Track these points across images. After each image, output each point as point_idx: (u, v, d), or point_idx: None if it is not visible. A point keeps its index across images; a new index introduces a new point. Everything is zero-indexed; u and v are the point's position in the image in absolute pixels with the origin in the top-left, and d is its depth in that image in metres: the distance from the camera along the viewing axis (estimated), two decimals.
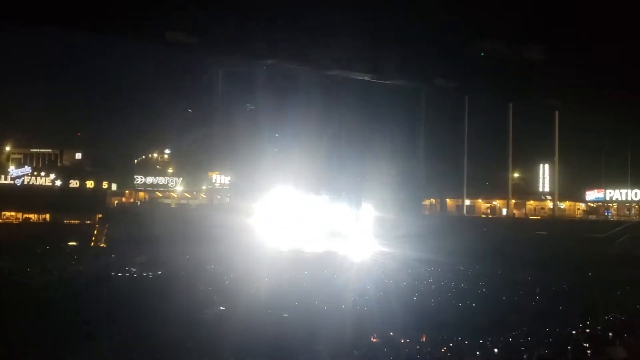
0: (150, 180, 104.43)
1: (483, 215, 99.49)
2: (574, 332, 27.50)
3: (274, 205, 77.43)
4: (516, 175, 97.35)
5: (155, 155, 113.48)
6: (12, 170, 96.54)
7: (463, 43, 23.34)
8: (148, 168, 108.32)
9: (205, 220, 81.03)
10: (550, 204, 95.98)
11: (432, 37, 22.56)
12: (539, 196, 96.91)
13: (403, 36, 22.51)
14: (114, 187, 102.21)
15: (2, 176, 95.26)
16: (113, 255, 63.66)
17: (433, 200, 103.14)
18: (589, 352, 22.33)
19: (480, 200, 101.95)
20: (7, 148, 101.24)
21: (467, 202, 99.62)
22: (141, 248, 65.70)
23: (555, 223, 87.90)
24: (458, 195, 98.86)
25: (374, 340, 30.13)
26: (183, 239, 70.47)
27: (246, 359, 24.73)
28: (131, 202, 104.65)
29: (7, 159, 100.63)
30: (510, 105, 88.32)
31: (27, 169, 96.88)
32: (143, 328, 30.66)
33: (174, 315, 33.42)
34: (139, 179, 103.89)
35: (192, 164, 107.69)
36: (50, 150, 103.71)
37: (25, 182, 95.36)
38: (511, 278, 51.41)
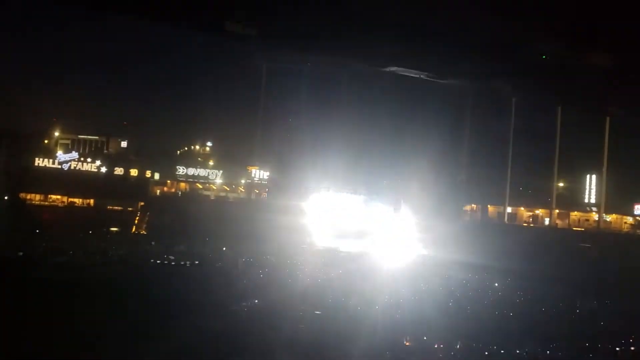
0: (191, 171, 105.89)
1: (524, 224, 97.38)
2: (617, 348, 26.61)
3: (311, 203, 77.58)
4: (561, 184, 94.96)
5: (197, 147, 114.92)
6: (60, 155, 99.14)
7: (515, 45, 22.81)
8: (190, 159, 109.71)
9: (243, 215, 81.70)
10: (595, 216, 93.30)
11: (484, 38, 22.12)
12: (583, 207, 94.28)
13: (453, 36, 22.12)
14: (156, 176, 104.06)
15: (50, 160, 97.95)
16: (153, 243, 64.77)
17: (474, 206, 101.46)
18: None
19: (522, 209, 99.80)
20: (56, 133, 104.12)
21: (509, 209, 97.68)
22: (180, 237, 66.71)
23: (601, 236, 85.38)
24: (500, 202, 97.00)
25: (407, 344, 29.78)
26: (220, 231, 71.24)
27: (277, 352, 24.74)
28: (172, 192, 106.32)
29: (56, 144, 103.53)
30: (559, 111, 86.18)
31: (75, 155, 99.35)
32: (176, 316, 31.06)
33: (208, 305, 33.76)
34: (181, 170, 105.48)
35: (232, 158, 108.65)
36: (97, 137, 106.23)
37: (72, 167, 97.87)
38: (548, 291, 50.02)
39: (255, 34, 23.21)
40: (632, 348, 26.38)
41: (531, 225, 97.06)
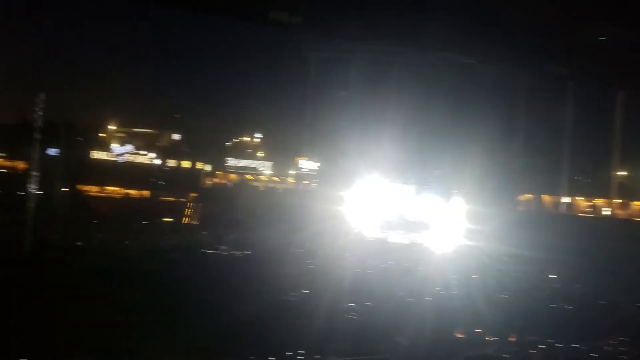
0: (241, 162, 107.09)
1: (582, 214, 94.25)
2: None
3: (359, 193, 76.99)
4: (621, 173, 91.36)
5: (247, 138, 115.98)
6: (116, 147, 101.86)
7: (572, 26, 21.77)
8: (240, 151, 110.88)
9: (292, 205, 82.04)
10: None
11: (539, 19, 21.19)
12: None
13: (505, 17, 21.28)
14: (207, 167, 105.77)
15: (106, 153, 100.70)
16: (204, 233, 65.81)
17: (529, 196, 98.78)
18: None
19: (580, 198, 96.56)
20: (112, 126, 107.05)
21: (566, 199, 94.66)
22: (231, 228, 67.53)
23: None
24: (556, 191, 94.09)
25: (459, 336, 29.27)
26: (270, 221, 71.68)
27: (325, 343, 24.66)
28: (223, 183, 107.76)
29: (111, 137, 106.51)
30: (620, 96, 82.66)
31: (130, 147, 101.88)
32: (226, 304, 31.40)
33: (258, 294, 34.03)
34: (231, 161, 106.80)
35: (281, 149, 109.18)
36: (150, 130, 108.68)
37: (127, 160, 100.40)
38: (608, 284, 48.08)
39: (300, 23, 22.97)
40: None
41: (589, 215, 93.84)
